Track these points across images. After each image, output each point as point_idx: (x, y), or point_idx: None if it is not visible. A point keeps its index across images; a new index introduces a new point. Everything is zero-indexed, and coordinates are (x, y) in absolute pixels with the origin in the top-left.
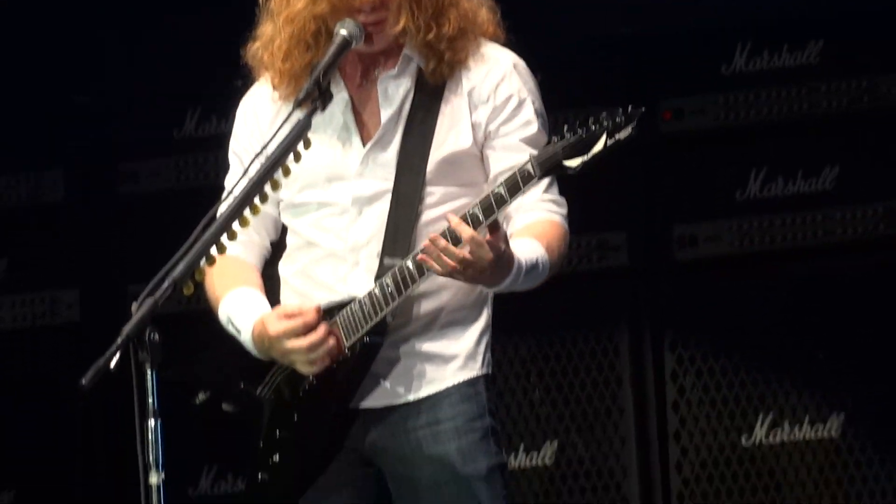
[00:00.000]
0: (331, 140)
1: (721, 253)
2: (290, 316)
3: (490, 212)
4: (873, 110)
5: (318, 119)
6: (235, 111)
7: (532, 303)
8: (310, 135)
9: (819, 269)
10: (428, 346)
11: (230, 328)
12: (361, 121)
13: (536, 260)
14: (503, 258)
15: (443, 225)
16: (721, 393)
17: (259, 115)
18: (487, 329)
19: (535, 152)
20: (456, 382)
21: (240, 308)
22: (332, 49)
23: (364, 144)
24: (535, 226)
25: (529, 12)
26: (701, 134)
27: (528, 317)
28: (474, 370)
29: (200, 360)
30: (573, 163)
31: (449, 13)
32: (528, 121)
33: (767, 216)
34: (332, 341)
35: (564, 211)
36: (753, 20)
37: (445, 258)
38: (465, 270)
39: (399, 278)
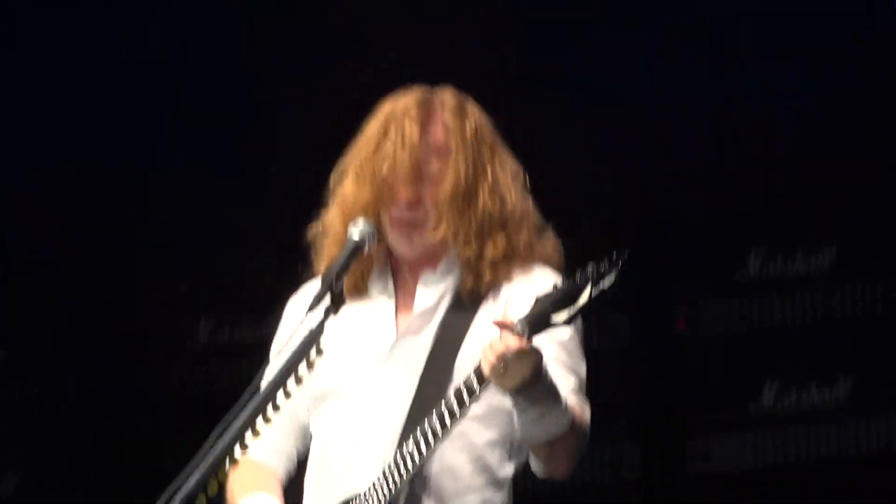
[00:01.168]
0: (365, 328)
1: (735, 469)
2: None
3: (481, 380)
4: (887, 318)
5: (361, 313)
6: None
7: None
8: (348, 323)
9: (836, 483)
10: None
11: None
12: (399, 314)
13: (560, 391)
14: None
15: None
16: None
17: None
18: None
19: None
20: None
21: None
22: (344, 253)
23: (397, 334)
24: None
25: None
26: (715, 341)
27: None
28: None
29: None
30: (560, 317)
31: (496, 236)
32: (561, 341)
33: (781, 429)
34: None
35: (588, 413)
36: (767, 225)
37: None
38: (509, 374)
39: (402, 460)
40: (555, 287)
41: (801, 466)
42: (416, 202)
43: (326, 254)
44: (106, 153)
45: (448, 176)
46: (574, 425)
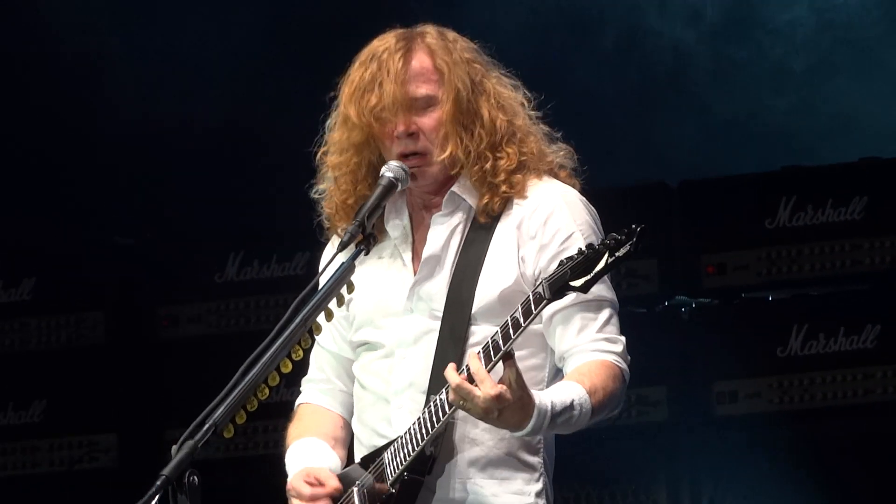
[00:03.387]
0: (387, 275)
1: (761, 410)
2: (310, 479)
3: (507, 338)
4: None
5: (382, 259)
6: (275, 256)
7: (571, 454)
8: (371, 271)
9: (859, 428)
10: (476, 490)
11: None
12: (419, 258)
13: (571, 402)
14: (517, 402)
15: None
16: None
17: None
18: (541, 476)
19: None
20: None
21: (294, 459)
22: (376, 192)
23: (414, 279)
24: (582, 367)
25: (579, 158)
26: (742, 289)
27: (567, 469)
28: None
29: None
30: (578, 282)
31: (508, 146)
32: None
33: (808, 374)
34: None
35: (619, 348)
36: (798, 175)
37: (455, 394)
38: (471, 409)
39: (434, 409)
40: (577, 253)
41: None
42: (414, 130)
43: (337, 206)
44: None
45: (446, 95)
46: (596, 410)
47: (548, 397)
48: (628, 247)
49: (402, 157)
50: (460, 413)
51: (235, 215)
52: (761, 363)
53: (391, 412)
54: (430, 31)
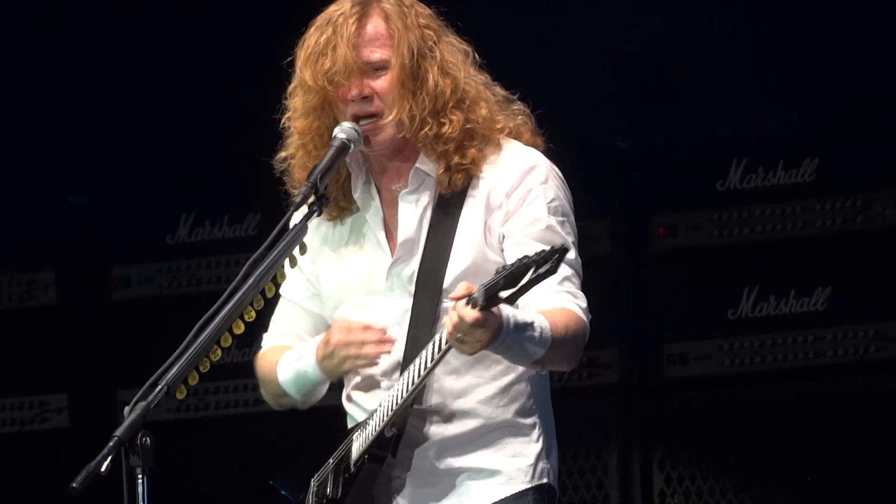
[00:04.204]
0: (361, 254)
1: (711, 372)
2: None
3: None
4: (866, 230)
5: (351, 234)
6: (227, 217)
7: None
8: (341, 249)
9: (809, 391)
10: (469, 460)
11: (300, 376)
12: (392, 236)
13: (532, 322)
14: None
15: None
16: None
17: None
18: (540, 436)
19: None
20: (499, 498)
21: (297, 353)
22: (329, 153)
23: (391, 259)
24: (543, 310)
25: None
26: (694, 251)
27: None
28: (521, 483)
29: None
30: (505, 293)
31: (452, 114)
32: (536, 218)
33: (759, 336)
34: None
35: (583, 304)
36: (749, 137)
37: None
38: (469, 335)
39: (395, 394)
40: (509, 265)
41: (777, 371)
42: (368, 94)
43: (298, 174)
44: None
45: (394, 60)
46: (556, 343)
47: (508, 311)
48: (548, 266)
49: (356, 119)
50: (455, 387)
51: (187, 176)
52: (712, 325)
53: (381, 393)
54: None
